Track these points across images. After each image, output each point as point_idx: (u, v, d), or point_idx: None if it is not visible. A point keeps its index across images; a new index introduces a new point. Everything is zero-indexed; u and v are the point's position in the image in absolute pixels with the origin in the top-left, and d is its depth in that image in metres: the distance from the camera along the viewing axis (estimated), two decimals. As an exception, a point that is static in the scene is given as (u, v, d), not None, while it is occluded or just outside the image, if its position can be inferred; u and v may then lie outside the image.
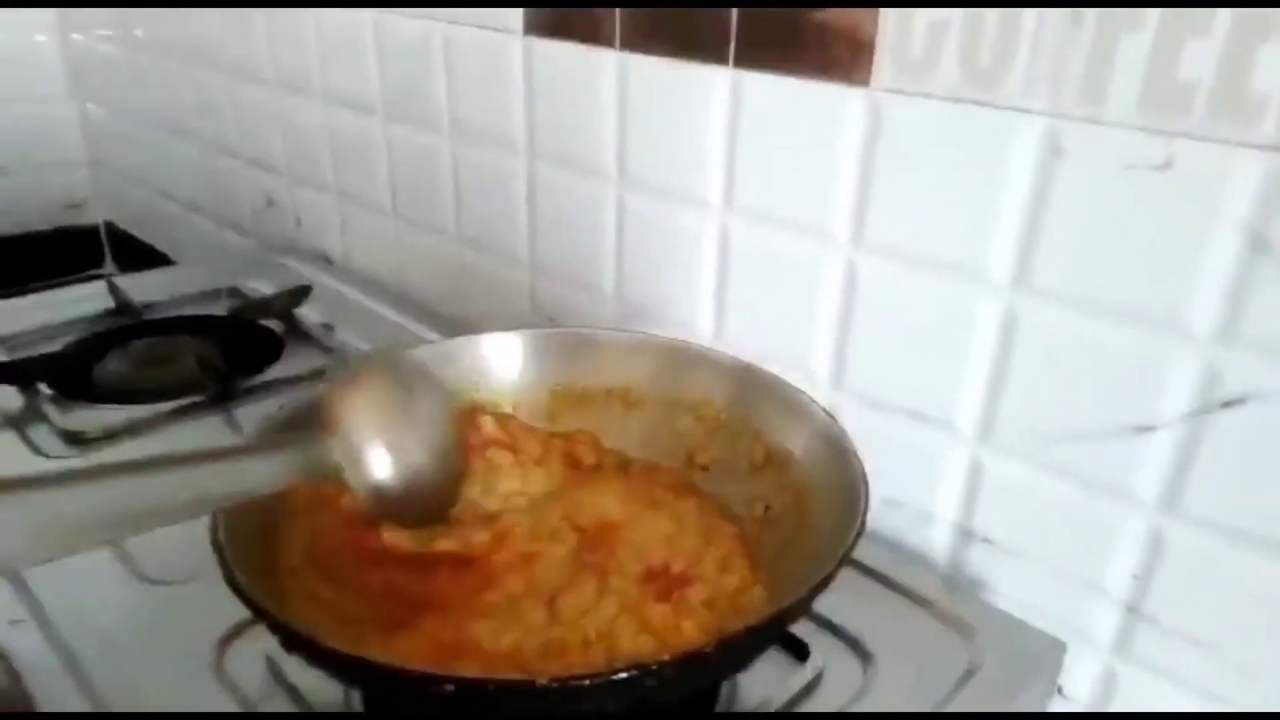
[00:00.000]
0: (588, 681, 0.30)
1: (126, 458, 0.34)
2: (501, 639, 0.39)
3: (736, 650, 0.35)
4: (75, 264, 1.45)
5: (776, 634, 0.38)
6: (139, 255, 1.40)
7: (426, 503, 0.42)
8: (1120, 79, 0.43)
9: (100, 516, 0.32)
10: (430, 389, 0.43)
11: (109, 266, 1.51)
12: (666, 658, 0.31)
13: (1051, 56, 0.45)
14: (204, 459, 0.35)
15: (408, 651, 0.38)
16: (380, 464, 0.38)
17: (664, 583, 0.43)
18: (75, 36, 1.34)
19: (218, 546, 0.37)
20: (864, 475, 0.40)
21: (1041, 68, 0.45)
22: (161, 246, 1.36)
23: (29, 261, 1.39)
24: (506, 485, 0.51)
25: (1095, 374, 0.48)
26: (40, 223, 1.42)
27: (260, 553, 0.41)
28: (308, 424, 0.38)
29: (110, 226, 1.48)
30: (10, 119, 1.35)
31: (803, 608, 0.35)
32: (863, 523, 0.37)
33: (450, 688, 0.30)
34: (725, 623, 0.41)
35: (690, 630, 0.40)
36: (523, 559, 0.44)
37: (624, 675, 0.30)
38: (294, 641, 0.33)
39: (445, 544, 0.45)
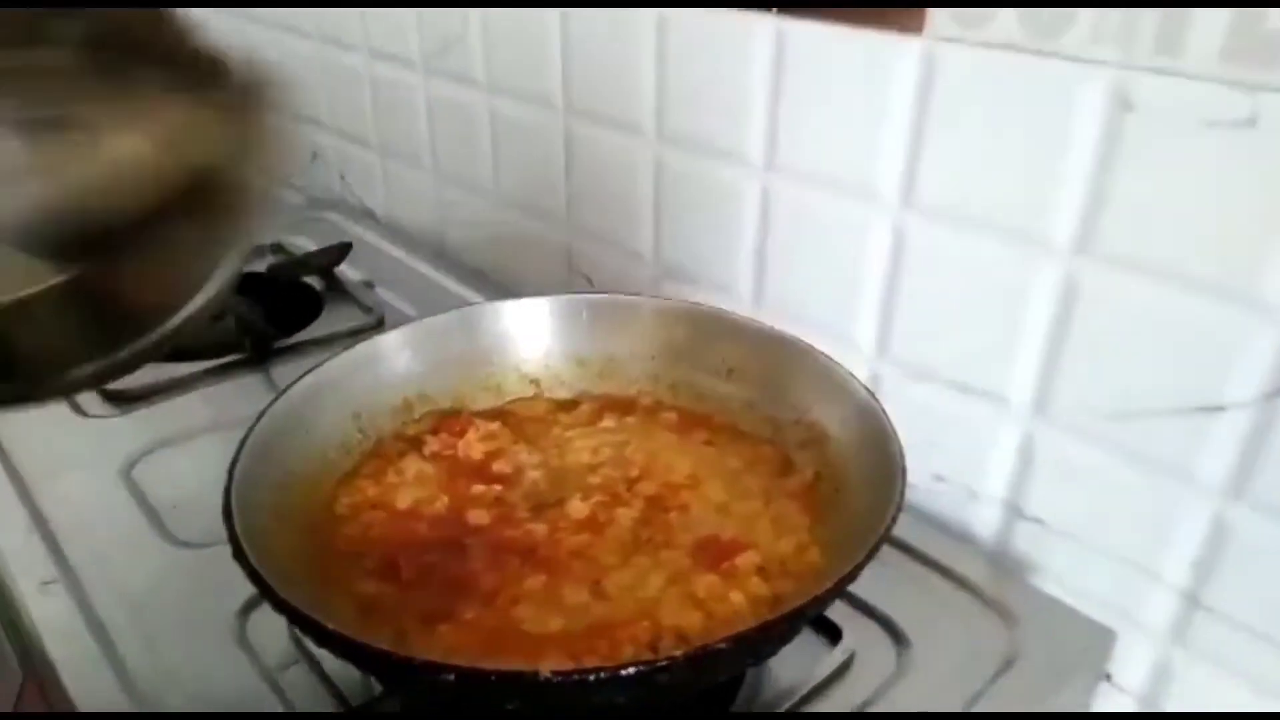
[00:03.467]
0: (593, 676, 0.29)
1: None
2: (548, 622, 0.38)
3: (753, 645, 0.33)
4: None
5: (795, 629, 0.36)
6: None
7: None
8: (1200, 26, 0.39)
9: None
10: None
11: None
12: (678, 654, 0.30)
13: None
14: None
15: (452, 641, 0.37)
16: None
17: (714, 551, 0.41)
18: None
19: (228, 517, 0.36)
20: (902, 463, 0.38)
21: (1112, 13, 0.41)
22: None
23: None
24: (574, 457, 0.49)
25: (1162, 348, 0.44)
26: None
27: (309, 549, 0.41)
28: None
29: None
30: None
31: (823, 603, 0.33)
32: (894, 517, 0.35)
33: (450, 677, 0.29)
34: (778, 589, 0.39)
35: (738, 601, 0.39)
36: (581, 545, 0.42)
37: (632, 670, 0.29)
38: (299, 620, 0.32)
39: (509, 531, 0.43)
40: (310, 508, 0.44)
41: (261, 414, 0.42)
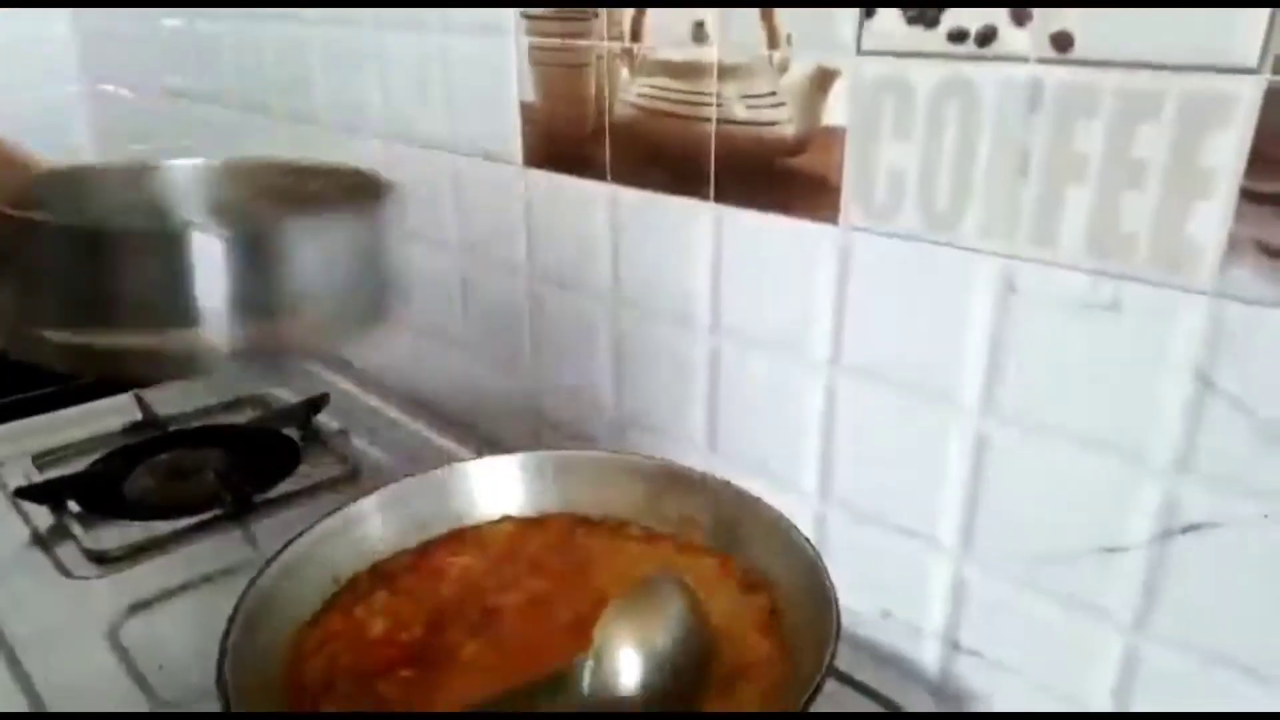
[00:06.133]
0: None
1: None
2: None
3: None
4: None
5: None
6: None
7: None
8: (1068, 225, 0.46)
9: None
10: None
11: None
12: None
13: (1003, 203, 0.48)
14: None
15: None
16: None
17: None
18: (104, 88, 1.42)
19: (222, 688, 0.39)
20: (838, 621, 0.42)
21: (995, 213, 0.48)
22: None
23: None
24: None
25: (1066, 497, 0.50)
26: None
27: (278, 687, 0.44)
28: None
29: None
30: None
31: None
32: (824, 676, 0.39)
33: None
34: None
35: None
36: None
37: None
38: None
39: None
40: (284, 659, 0.47)
41: (246, 591, 0.46)
